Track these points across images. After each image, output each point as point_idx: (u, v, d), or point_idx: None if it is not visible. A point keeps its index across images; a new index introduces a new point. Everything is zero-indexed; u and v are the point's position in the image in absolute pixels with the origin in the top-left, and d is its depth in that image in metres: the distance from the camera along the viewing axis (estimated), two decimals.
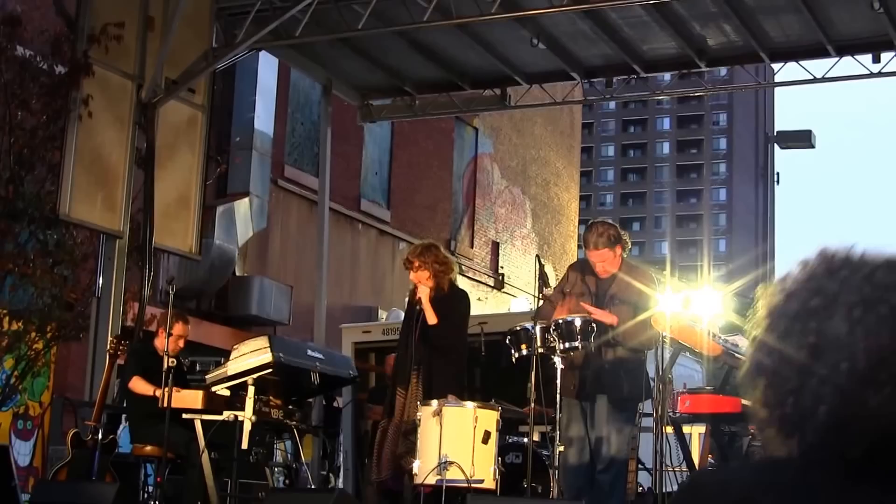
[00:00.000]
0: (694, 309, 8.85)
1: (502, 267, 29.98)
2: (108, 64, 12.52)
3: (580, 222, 36.45)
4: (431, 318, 9.45)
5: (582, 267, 9.28)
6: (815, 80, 14.41)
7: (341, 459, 13.76)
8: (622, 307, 8.87)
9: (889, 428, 1.60)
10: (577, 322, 8.61)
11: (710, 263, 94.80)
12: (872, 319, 1.64)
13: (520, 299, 28.98)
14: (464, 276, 27.90)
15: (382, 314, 23.59)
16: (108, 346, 10.47)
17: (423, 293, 9.49)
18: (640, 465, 11.41)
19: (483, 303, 28.19)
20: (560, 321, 8.63)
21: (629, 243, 9.21)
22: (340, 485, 13.98)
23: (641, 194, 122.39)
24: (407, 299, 10.12)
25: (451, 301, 9.68)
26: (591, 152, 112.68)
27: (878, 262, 1.72)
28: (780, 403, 1.69)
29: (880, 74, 13.70)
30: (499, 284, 29.66)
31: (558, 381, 8.59)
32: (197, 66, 13.26)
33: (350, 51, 15.09)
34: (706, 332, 8.39)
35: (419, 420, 8.81)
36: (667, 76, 16.65)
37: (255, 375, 9.33)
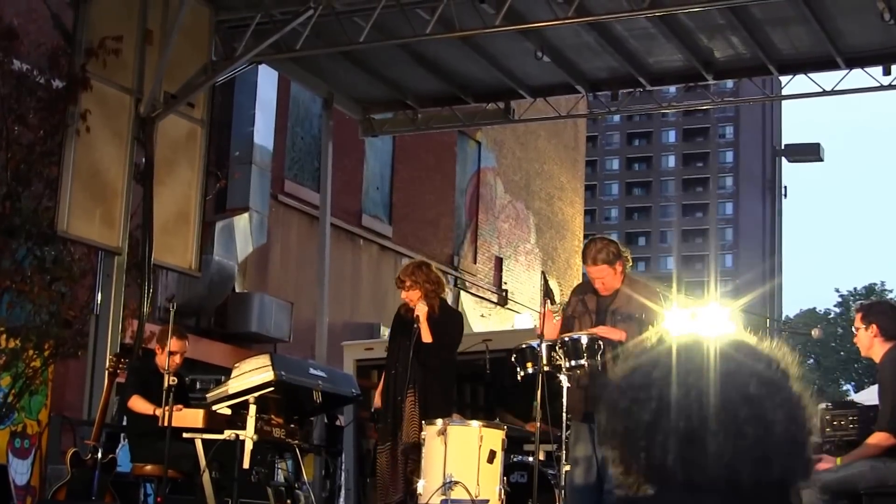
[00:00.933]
0: (701, 325, 8.71)
1: (506, 283, 29.82)
2: (106, 78, 12.38)
3: (585, 237, 36.34)
4: (427, 337, 9.48)
5: (583, 289, 9.16)
6: (823, 94, 14.26)
7: (343, 479, 13.61)
8: (625, 323, 8.72)
9: (728, 462, 2.02)
10: (584, 340, 8.49)
11: (716, 279, 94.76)
12: (704, 384, 2.05)
13: (524, 315, 28.81)
14: (467, 291, 27.79)
15: (384, 331, 23.40)
16: (108, 365, 10.34)
17: (422, 311, 9.51)
18: None
19: (487, 319, 28.05)
20: (566, 339, 8.52)
21: (630, 260, 9.07)
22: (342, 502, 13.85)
23: (647, 208, 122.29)
24: (394, 318, 10.05)
25: (443, 321, 9.72)
26: (595, 166, 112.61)
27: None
28: (636, 458, 2.09)
29: (891, 87, 13.55)
30: (502, 300, 29.50)
31: (564, 400, 8.45)
32: (196, 79, 13.13)
33: (351, 64, 14.96)
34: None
35: (423, 439, 8.71)
36: (672, 88, 16.51)
37: (256, 394, 9.24)
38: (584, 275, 9.27)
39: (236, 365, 9.51)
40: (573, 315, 8.99)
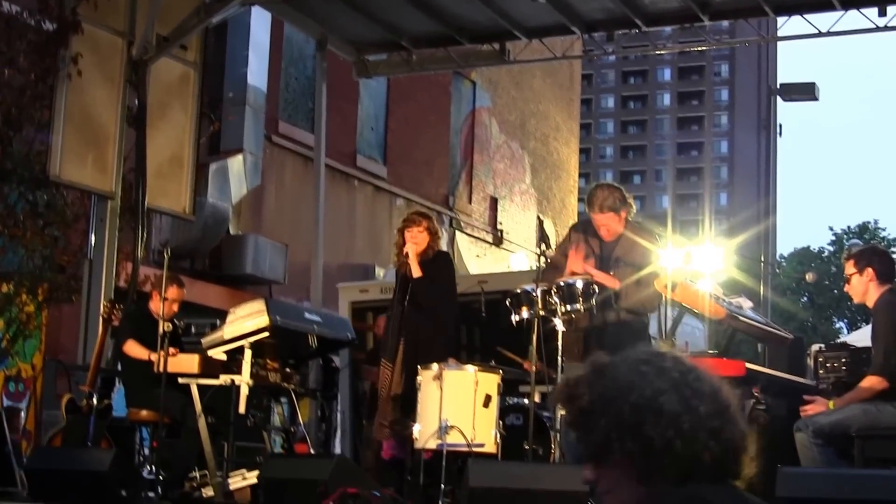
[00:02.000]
0: (695, 265, 8.69)
1: (501, 223, 29.79)
2: (98, 21, 12.27)
3: (580, 176, 36.32)
4: (417, 272, 9.55)
5: (584, 228, 9.12)
6: (819, 35, 14.14)
7: (339, 421, 13.64)
8: (627, 269, 8.73)
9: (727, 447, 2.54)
10: (579, 284, 8.49)
11: (711, 217, 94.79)
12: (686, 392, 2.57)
13: (518, 255, 28.76)
14: (462, 232, 27.79)
15: (380, 272, 23.41)
16: (102, 311, 10.31)
17: (411, 249, 9.60)
18: None
19: (482, 259, 28.05)
20: (561, 283, 8.52)
21: (633, 206, 9.05)
22: (338, 446, 13.88)
23: (642, 147, 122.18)
24: (395, 269, 10.10)
25: (438, 264, 9.85)
26: (590, 104, 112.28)
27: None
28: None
29: (886, 28, 13.45)
30: (497, 241, 29.49)
31: (560, 344, 8.45)
32: (189, 22, 13.02)
33: (345, 5, 14.82)
34: (710, 294, 8.24)
35: (419, 384, 8.74)
36: (668, 28, 16.38)
37: (251, 339, 9.22)
38: (580, 214, 9.26)
39: (231, 310, 9.48)
40: (575, 252, 8.97)
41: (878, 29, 13.53)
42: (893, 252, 67.42)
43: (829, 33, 14.03)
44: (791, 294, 63.70)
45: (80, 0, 11.98)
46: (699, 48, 17.34)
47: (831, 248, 72.04)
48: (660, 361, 2.65)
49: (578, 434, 2.68)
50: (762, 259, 27.06)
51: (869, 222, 73.39)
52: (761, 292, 27.41)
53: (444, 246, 26.17)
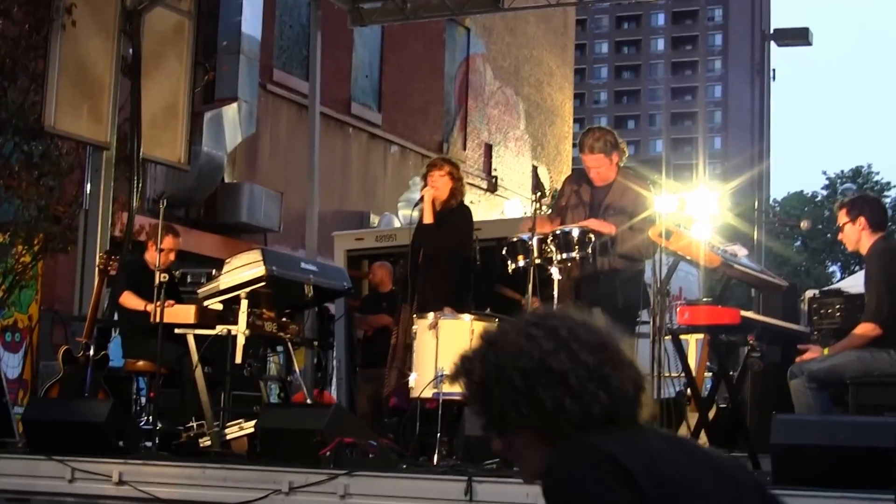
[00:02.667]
0: (690, 210, 8.71)
1: (495, 169, 29.78)
2: None
3: (574, 121, 36.25)
4: (429, 218, 9.51)
5: (577, 177, 9.14)
6: None
7: (334, 370, 13.68)
8: (618, 216, 8.74)
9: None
10: (575, 232, 8.49)
11: (705, 162, 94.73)
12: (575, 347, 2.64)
13: (513, 201, 28.81)
14: None
15: (374, 219, 23.44)
16: (98, 262, 10.32)
17: (428, 193, 9.53)
18: None
19: (476, 206, 28.02)
20: (557, 232, 8.53)
21: (626, 151, 9.05)
22: (333, 393, 13.94)
23: (636, 92, 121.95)
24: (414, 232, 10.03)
25: (455, 215, 9.74)
26: (584, 49, 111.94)
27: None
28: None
29: None
30: (492, 187, 29.49)
31: (555, 293, 8.48)
32: None
33: None
34: (704, 242, 8.27)
35: (415, 333, 8.75)
36: None
37: (247, 289, 9.20)
38: (574, 161, 9.26)
39: (227, 260, 9.47)
40: (567, 206, 9.00)
41: None
42: (886, 196, 67.45)
43: None
44: (784, 238, 63.80)
45: None
46: None
47: (825, 193, 72.12)
48: (549, 321, 2.70)
49: (476, 408, 2.76)
50: (755, 206, 27.03)
51: (862, 166, 73.46)
52: (755, 237, 27.45)
53: None
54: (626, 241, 8.68)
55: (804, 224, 11.73)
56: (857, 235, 8.02)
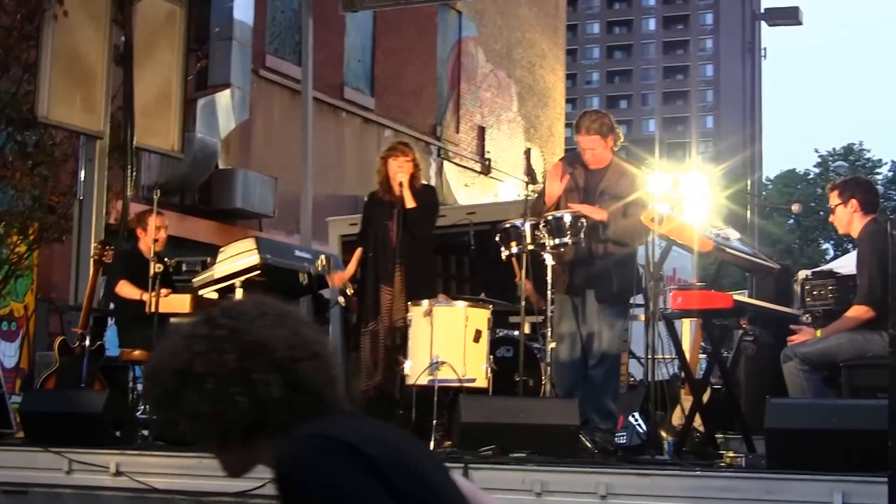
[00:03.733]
0: (683, 191, 8.73)
1: (488, 152, 29.80)
2: None
3: (567, 101, 36.27)
4: (410, 202, 9.48)
5: (571, 160, 9.16)
6: None
7: None
8: (613, 201, 8.78)
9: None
10: (567, 218, 8.53)
11: (697, 140, 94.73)
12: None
13: (507, 184, 28.87)
14: (450, 161, 27.79)
15: None
16: (93, 252, 10.34)
17: (403, 178, 9.51)
18: (631, 355, 11.40)
19: (470, 188, 28.08)
20: (550, 217, 8.56)
21: (622, 136, 9.10)
22: None
23: (628, 72, 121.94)
24: (366, 205, 10.05)
25: (427, 195, 9.81)
26: (575, 30, 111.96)
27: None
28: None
29: None
30: (485, 169, 29.51)
31: (549, 278, 8.52)
32: None
33: None
34: (697, 226, 8.30)
35: (410, 320, 8.78)
36: None
37: (242, 278, 9.23)
38: (567, 141, 9.27)
39: (221, 249, 9.51)
40: (563, 188, 9.01)
41: None
42: (878, 173, 67.34)
43: None
44: (777, 217, 63.83)
45: None
46: None
47: (817, 170, 72.16)
48: (213, 322, 2.58)
49: (168, 426, 2.68)
50: (748, 188, 27.08)
51: (854, 144, 73.48)
52: (748, 217, 27.47)
53: (432, 176, 26.26)
54: (619, 226, 8.72)
55: (795, 207, 11.73)
56: (848, 218, 8.07)
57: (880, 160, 72.06)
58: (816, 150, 74.16)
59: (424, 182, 10.09)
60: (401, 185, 9.49)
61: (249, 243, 9.36)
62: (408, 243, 9.46)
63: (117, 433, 8.49)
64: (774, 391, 7.80)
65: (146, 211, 9.95)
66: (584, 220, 8.55)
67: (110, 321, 11.12)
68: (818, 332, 7.90)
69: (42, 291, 15.92)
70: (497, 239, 8.80)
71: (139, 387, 10.64)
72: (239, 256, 9.29)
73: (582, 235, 8.53)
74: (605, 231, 8.71)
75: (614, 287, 8.80)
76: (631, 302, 9.57)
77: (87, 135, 12.42)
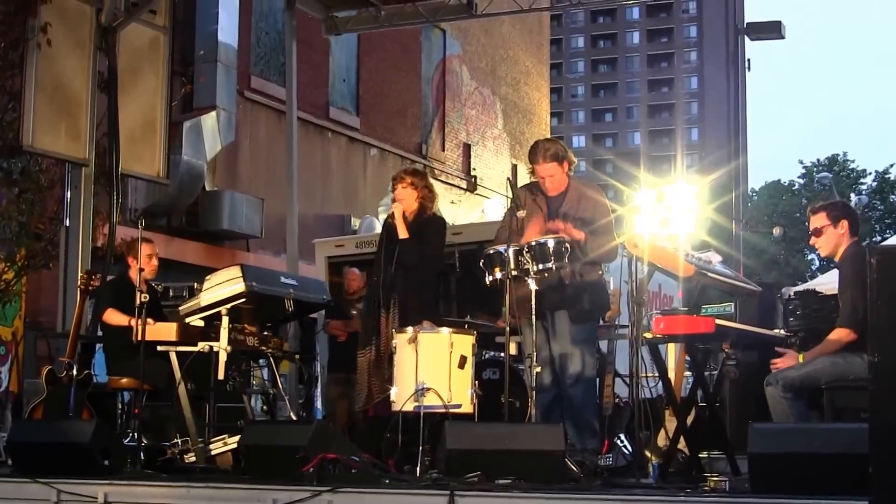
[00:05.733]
0: (668, 203, 8.78)
1: (474, 169, 29.90)
2: None
3: (553, 115, 36.38)
4: (403, 233, 9.51)
5: (531, 188, 9.23)
6: None
7: (318, 378, 13.72)
8: (575, 223, 8.85)
9: None
10: (551, 243, 8.56)
11: (682, 153, 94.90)
12: None
13: (493, 201, 28.96)
14: (436, 179, 27.82)
15: (355, 222, 23.55)
16: (79, 282, 10.36)
17: (397, 209, 9.56)
18: (616, 375, 11.45)
19: (456, 206, 28.14)
20: (533, 243, 8.58)
21: (575, 161, 9.23)
22: (319, 400, 14.00)
23: (612, 85, 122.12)
24: (381, 230, 10.11)
25: (431, 224, 9.78)
26: (560, 44, 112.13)
27: None
28: None
29: None
30: (471, 187, 29.61)
31: (533, 305, 8.55)
32: None
33: None
34: (680, 251, 8.36)
35: (395, 347, 8.83)
36: None
37: (228, 305, 9.28)
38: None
39: (207, 277, 9.53)
40: (528, 212, 9.05)
41: None
42: (862, 183, 67.32)
43: None
44: (763, 227, 63.89)
45: None
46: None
47: (801, 181, 72.27)
48: None
49: None
50: (732, 201, 27.18)
51: (838, 154, 73.56)
52: (733, 230, 27.59)
53: None
54: (593, 248, 8.79)
55: (776, 231, 11.76)
56: (837, 239, 8.09)
57: (864, 170, 72.18)
58: (801, 161, 74.22)
59: (434, 212, 9.98)
60: (393, 216, 9.57)
61: (235, 271, 9.39)
62: (400, 275, 9.51)
63: (105, 462, 8.49)
64: (758, 412, 7.85)
65: (135, 240, 9.97)
66: (567, 245, 8.59)
67: (98, 347, 11.14)
68: (801, 357, 7.94)
69: (31, 315, 15.92)
70: (481, 265, 8.84)
71: (128, 411, 10.68)
72: (225, 284, 9.33)
73: (566, 260, 8.58)
74: (581, 253, 8.77)
75: (586, 306, 8.86)
76: (616, 322, 9.63)
77: (72, 162, 12.45)
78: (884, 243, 24.20)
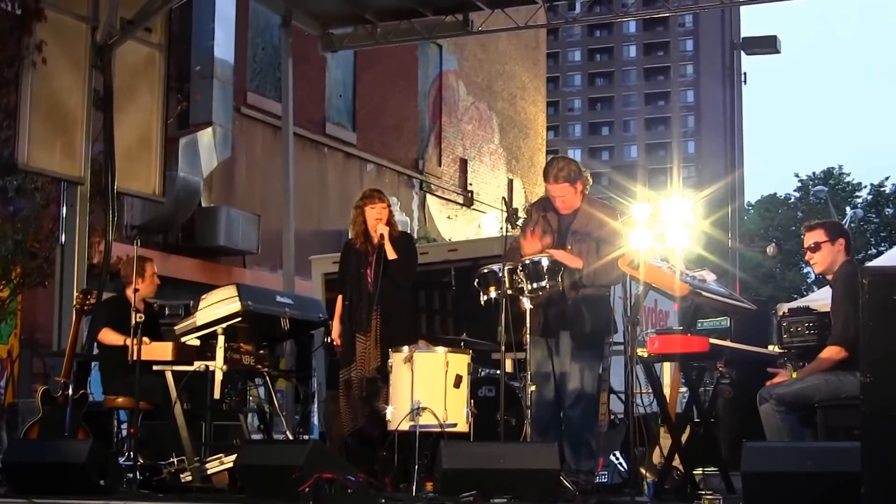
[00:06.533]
0: (664, 217, 8.79)
1: (471, 184, 29.95)
2: (61, 7, 12.27)
3: (549, 129, 36.41)
4: (392, 254, 9.60)
5: (544, 205, 9.25)
6: None
7: (315, 391, 13.70)
8: (585, 243, 8.86)
9: None
10: (545, 262, 8.61)
11: (679, 165, 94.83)
12: None
13: (489, 216, 28.97)
14: (433, 194, 27.90)
15: None
16: (75, 301, 10.36)
17: (385, 230, 9.63)
18: (611, 391, 11.45)
19: (453, 220, 28.19)
20: (527, 262, 8.63)
21: (590, 179, 9.20)
22: (316, 417, 13.98)
23: (609, 98, 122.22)
24: (343, 253, 10.14)
25: (406, 242, 9.98)
26: (557, 58, 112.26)
27: None
28: None
29: None
30: (468, 201, 29.65)
31: (527, 323, 8.59)
32: (152, 4, 12.99)
33: None
34: (674, 271, 8.37)
35: (390, 366, 8.85)
36: None
37: (224, 325, 9.28)
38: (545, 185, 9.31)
39: (203, 296, 9.54)
40: (537, 231, 9.08)
41: None
42: (858, 196, 67.22)
43: None
44: (759, 241, 63.91)
45: None
46: (661, 14, 17.29)
47: (797, 195, 72.25)
48: None
49: None
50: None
51: (833, 168, 73.53)
52: (729, 245, 27.60)
53: (414, 209, 26.35)
54: (599, 275, 8.80)
55: (770, 250, 11.83)
56: (833, 256, 8.11)
57: (860, 184, 72.16)
58: (797, 175, 74.14)
59: (401, 229, 10.14)
60: (382, 237, 9.63)
61: (230, 290, 9.41)
62: (388, 291, 9.56)
63: (101, 482, 8.49)
64: (752, 427, 7.87)
65: (130, 261, 9.97)
66: (561, 263, 8.64)
67: (94, 365, 11.13)
68: (794, 374, 7.96)
69: (27, 332, 15.94)
70: (476, 284, 8.87)
71: (123, 433, 10.67)
72: (220, 303, 9.34)
73: (559, 279, 8.61)
74: (583, 278, 8.79)
75: (588, 327, 8.87)
76: (609, 342, 9.64)
77: (67, 180, 12.46)
78: (876, 260, 24.23)
